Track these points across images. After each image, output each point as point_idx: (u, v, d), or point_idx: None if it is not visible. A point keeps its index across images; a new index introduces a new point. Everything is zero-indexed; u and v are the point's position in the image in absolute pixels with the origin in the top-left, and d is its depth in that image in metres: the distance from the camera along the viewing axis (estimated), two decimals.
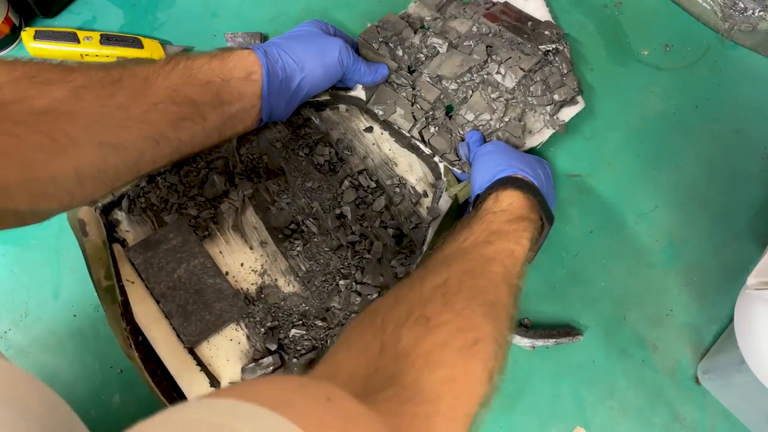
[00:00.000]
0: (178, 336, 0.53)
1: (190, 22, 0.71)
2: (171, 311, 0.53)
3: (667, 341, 0.60)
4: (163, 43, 0.68)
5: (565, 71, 0.63)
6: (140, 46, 0.66)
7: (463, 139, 0.62)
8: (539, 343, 0.57)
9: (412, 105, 0.62)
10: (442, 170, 0.61)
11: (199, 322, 0.53)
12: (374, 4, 0.73)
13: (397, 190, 0.61)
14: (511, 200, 0.50)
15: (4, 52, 0.68)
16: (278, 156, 0.61)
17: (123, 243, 0.56)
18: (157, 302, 0.54)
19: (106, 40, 0.66)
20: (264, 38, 0.70)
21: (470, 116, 0.62)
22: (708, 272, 0.62)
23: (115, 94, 0.42)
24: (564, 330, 0.59)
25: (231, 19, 0.71)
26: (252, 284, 0.56)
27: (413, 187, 0.61)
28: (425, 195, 0.61)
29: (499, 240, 0.46)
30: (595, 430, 0.57)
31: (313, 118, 0.63)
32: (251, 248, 0.57)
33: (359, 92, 0.63)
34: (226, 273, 0.56)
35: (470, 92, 0.62)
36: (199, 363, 0.53)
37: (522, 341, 0.57)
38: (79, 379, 0.56)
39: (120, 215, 0.57)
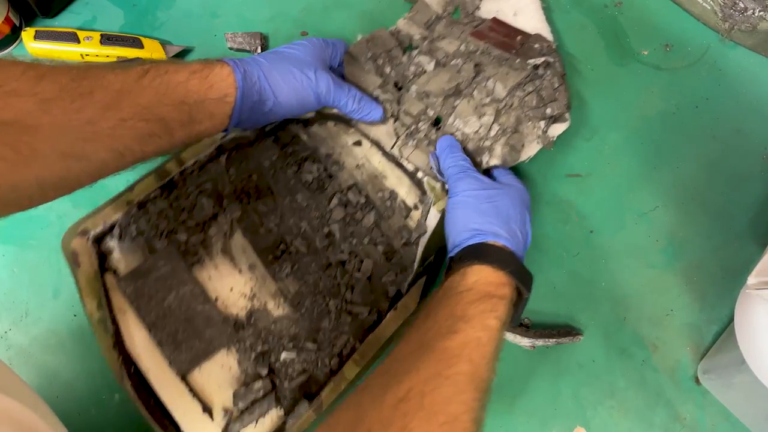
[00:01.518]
0: (170, 365, 0.52)
1: (190, 22, 0.71)
2: (162, 340, 0.53)
3: (668, 341, 0.60)
4: (164, 43, 0.68)
5: (557, 85, 0.62)
6: (140, 46, 0.66)
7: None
8: (539, 342, 0.57)
9: (395, 121, 0.60)
10: (425, 186, 0.60)
11: (189, 350, 0.53)
12: (374, 3, 0.73)
13: (388, 204, 0.60)
14: (478, 276, 0.46)
15: (4, 52, 0.68)
16: (266, 175, 0.60)
17: (115, 272, 0.55)
18: (149, 331, 0.53)
19: (107, 40, 0.66)
20: (264, 38, 0.70)
21: (459, 124, 0.59)
22: (708, 272, 0.62)
23: (84, 107, 0.41)
24: (565, 330, 0.59)
25: (231, 19, 0.71)
26: (241, 309, 0.55)
27: (404, 201, 0.60)
28: (416, 208, 0.60)
29: (465, 328, 0.43)
30: (596, 430, 0.57)
31: (301, 134, 0.62)
32: (240, 272, 0.56)
33: None
34: (216, 299, 0.55)
35: (457, 102, 0.60)
36: (192, 390, 0.52)
37: (522, 341, 0.57)
38: (79, 379, 0.56)
39: (112, 243, 0.56)
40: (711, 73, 0.70)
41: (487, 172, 0.59)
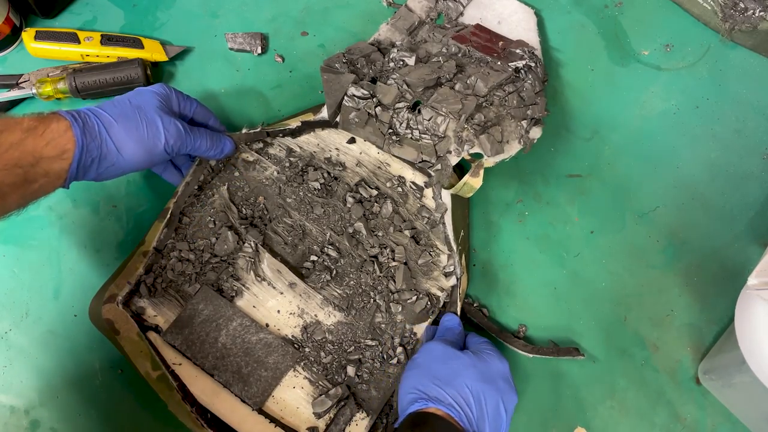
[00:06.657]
0: (243, 401, 0.52)
1: (191, 23, 0.71)
2: (228, 380, 0.53)
3: (668, 341, 0.60)
4: (164, 44, 0.68)
5: (538, 90, 0.62)
6: (140, 46, 0.66)
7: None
8: (538, 355, 0.57)
9: (376, 120, 0.59)
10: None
11: (258, 382, 0.53)
12: (374, 3, 0.73)
13: (399, 189, 0.61)
14: None
15: (5, 53, 0.68)
16: (273, 194, 0.60)
17: (156, 328, 0.55)
18: (211, 376, 0.53)
19: (107, 40, 0.66)
20: (264, 38, 0.70)
21: (440, 105, 0.57)
22: (708, 272, 0.62)
23: None
24: (565, 349, 0.58)
25: (231, 19, 0.71)
26: (294, 327, 0.56)
27: (413, 182, 0.61)
28: (427, 186, 0.61)
29: None
30: (596, 431, 0.57)
31: (293, 146, 0.62)
32: (282, 293, 0.57)
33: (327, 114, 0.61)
34: (266, 325, 0.55)
35: (438, 88, 0.59)
36: (273, 420, 0.52)
37: (520, 351, 0.57)
38: (79, 379, 0.56)
39: (143, 302, 0.55)
40: (711, 73, 0.70)
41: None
